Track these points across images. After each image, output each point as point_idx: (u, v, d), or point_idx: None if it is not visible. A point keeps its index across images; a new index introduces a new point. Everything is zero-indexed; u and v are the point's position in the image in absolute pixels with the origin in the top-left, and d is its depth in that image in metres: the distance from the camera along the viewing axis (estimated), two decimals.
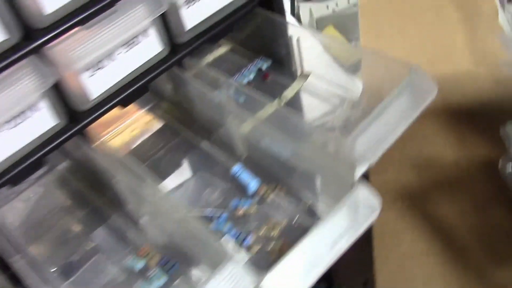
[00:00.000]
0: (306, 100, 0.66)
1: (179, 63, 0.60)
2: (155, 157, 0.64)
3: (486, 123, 0.71)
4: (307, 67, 0.68)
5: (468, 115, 0.73)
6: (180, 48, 0.59)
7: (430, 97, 0.54)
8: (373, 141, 0.50)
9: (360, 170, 0.48)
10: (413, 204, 0.68)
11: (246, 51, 0.72)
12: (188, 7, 0.57)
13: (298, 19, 1.17)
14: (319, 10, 1.13)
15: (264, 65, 0.69)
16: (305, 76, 0.67)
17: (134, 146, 0.65)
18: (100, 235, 0.59)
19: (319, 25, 1.13)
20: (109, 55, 0.53)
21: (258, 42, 0.70)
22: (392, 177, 0.71)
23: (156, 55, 0.57)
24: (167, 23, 0.57)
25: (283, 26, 0.66)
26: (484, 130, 0.71)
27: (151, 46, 0.56)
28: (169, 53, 0.58)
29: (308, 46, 0.66)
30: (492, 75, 0.76)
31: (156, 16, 0.54)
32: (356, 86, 0.66)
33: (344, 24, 1.09)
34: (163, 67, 0.58)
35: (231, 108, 0.59)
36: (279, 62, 0.69)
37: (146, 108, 0.69)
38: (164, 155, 0.64)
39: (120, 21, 0.51)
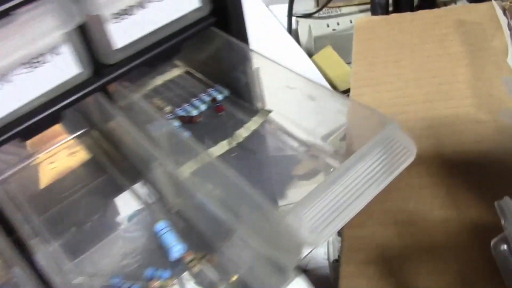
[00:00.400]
0: (264, 143, 0.55)
1: (104, 89, 0.49)
2: (71, 199, 0.52)
3: (483, 179, 0.62)
4: (269, 103, 0.57)
5: (463, 167, 0.63)
6: (107, 70, 0.48)
7: (406, 160, 0.43)
8: (326, 214, 0.38)
9: (303, 254, 0.37)
10: (389, 270, 0.57)
11: (202, 76, 0.61)
12: (117, 21, 0.46)
13: (296, 37, 1.08)
14: (319, 28, 1.04)
15: (220, 95, 0.58)
16: (265, 113, 0.56)
17: (50, 183, 0.54)
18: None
19: (317, 44, 1.04)
20: (3, 75, 0.42)
21: (216, 69, 0.59)
22: (368, 233, 0.60)
23: (71, 78, 0.46)
24: (88, 39, 0.46)
25: (244, 52, 0.55)
26: (480, 187, 0.61)
27: (64, 67, 0.45)
28: (91, 76, 0.47)
29: (272, 78, 0.55)
30: (494, 121, 0.66)
31: (68, 30, 0.43)
32: (326, 130, 0.55)
33: (343, 46, 1.00)
34: (81, 93, 0.47)
35: (165, 147, 0.47)
36: (237, 94, 0.58)
37: (74, 136, 0.58)
38: (83, 197, 0.52)
39: (16, 35, 0.40)
